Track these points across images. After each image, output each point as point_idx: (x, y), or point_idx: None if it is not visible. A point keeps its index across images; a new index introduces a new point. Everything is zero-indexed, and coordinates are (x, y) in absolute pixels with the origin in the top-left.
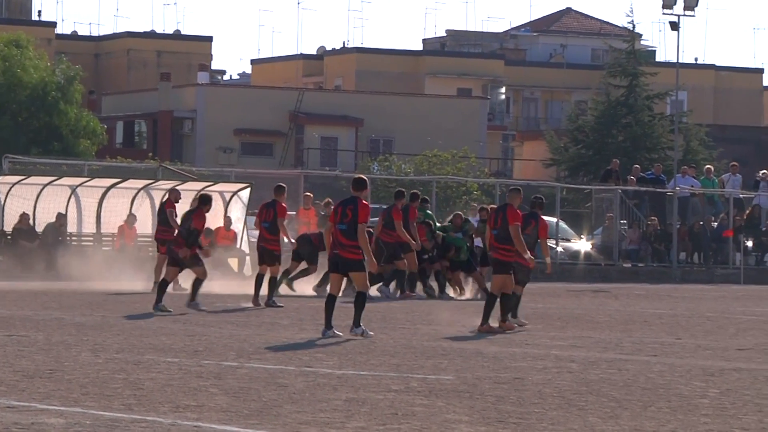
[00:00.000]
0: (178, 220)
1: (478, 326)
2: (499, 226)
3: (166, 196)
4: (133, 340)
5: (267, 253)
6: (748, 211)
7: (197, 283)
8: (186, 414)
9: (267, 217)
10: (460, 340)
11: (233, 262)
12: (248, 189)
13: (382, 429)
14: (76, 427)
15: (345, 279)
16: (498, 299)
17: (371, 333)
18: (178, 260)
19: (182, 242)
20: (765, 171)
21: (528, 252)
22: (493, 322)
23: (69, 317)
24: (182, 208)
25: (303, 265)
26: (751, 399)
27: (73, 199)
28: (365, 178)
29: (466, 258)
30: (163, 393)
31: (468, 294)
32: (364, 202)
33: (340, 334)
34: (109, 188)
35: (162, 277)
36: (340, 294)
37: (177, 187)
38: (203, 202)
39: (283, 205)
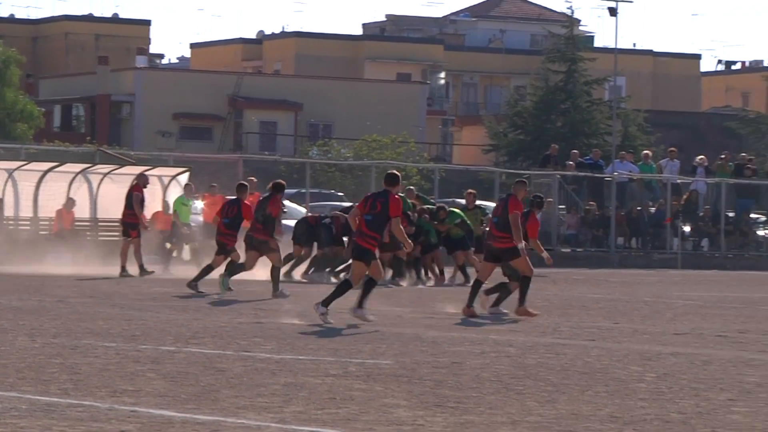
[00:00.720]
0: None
1: (463, 308)
2: (499, 215)
3: (135, 180)
4: (70, 324)
5: (222, 246)
6: (685, 197)
7: (275, 272)
8: (123, 399)
9: (229, 213)
10: (399, 325)
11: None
12: (187, 173)
13: (320, 413)
14: (12, 412)
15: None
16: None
17: (372, 318)
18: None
19: (260, 228)
20: (702, 156)
21: (522, 242)
22: (480, 307)
23: (6, 301)
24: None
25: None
26: (688, 383)
27: (9, 183)
28: (398, 173)
29: (435, 241)
30: (101, 378)
31: (445, 279)
32: (395, 196)
33: (331, 321)
34: (46, 172)
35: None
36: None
37: (115, 172)
38: (277, 188)
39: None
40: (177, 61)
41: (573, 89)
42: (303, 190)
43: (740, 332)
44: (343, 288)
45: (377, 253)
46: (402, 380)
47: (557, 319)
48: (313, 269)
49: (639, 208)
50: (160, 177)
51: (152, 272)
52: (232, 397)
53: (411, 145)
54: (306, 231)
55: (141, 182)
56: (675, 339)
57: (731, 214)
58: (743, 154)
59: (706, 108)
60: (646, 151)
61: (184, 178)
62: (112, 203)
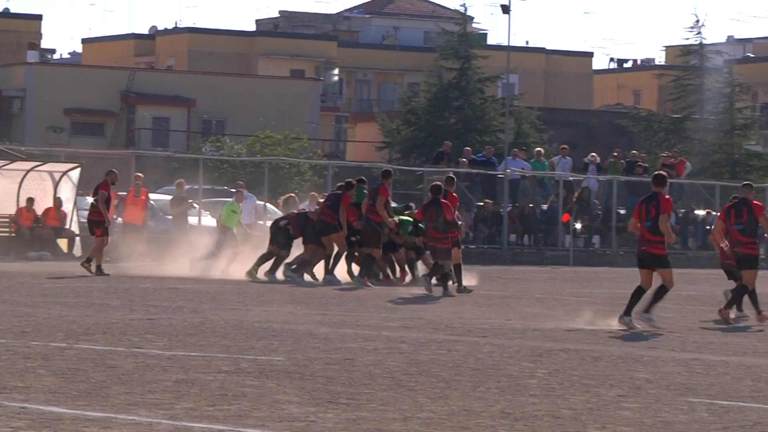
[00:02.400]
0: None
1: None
2: (744, 221)
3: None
4: None
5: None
6: (577, 194)
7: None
8: (13, 395)
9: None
10: (292, 321)
11: (63, 243)
12: (78, 169)
13: (212, 410)
14: None
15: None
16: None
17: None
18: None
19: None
20: (594, 154)
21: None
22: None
23: None
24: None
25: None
26: (579, 379)
27: None
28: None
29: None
30: None
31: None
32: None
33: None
34: None
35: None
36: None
37: (5, 167)
38: (348, 187)
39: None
40: (69, 56)
41: (466, 86)
42: (196, 186)
43: (630, 328)
44: (660, 293)
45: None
46: (294, 376)
47: (450, 315)
48: (294, 267)
49: (531, 205)
50: (51, 173)
51: (108, 275)
52: (122, 393)
53: (304, 142)
54: (286, 237)
55: (109, 179)
56: (566, 335)
57: (623, 212)
58: (634, 152)
59: (598, 106)
60: (538, 149)
61: (75, 173)
62: (2, 199)
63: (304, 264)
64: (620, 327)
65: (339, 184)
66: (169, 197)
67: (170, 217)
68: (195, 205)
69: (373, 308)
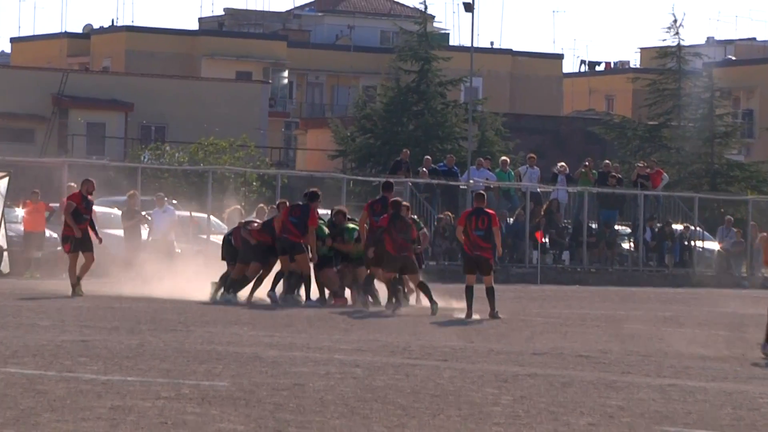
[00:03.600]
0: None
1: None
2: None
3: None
4: None
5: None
6: (545, 206)
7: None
8: None
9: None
10: (237, 344)
11: None
12: (6, 178)
13: None
14: None
15: None
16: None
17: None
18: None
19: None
20: (563, 164)
21: None
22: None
23: None
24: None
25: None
26: (546, 406)
27: None
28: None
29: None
30: None
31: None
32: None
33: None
34: None
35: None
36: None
37: None
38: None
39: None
40: None
41: (426, 90)
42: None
43: (603, 352)
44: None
45: None
46: (239, 403)
47: (407, 337)
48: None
49: None
50: None
51: (81, 294)
52: (53, 421)
53: (251, 150)
54: (255, 251)
55: (84, 189)
56: (533, 359)
57: (594, 226)
58: (607, 162)
59: (568, 112)
60: (504, 158)
61: (3, 183)
62: None
63: (240, 283)
64: (762, 356)
65: (309, 191)
66: (111, 209)
67: (113, 231)
68: (148, 217)
69: (325, 330)
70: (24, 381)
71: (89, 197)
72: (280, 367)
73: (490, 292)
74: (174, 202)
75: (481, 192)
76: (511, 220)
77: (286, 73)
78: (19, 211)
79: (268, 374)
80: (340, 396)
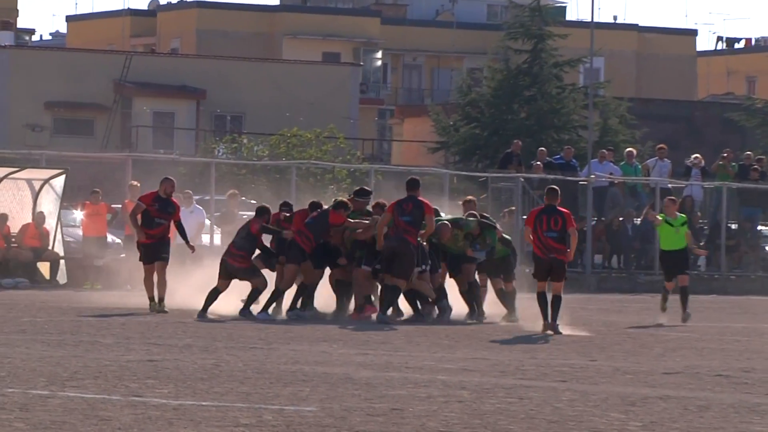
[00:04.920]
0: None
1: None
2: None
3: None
4: None
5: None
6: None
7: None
8: None
9: None
10: (326, 363)
11: (44, 267)
12: (62, 176)
13: None
14: None
15: None
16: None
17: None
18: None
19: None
20: (698, 156)
21: None
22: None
23: None
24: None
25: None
26: None
27: None
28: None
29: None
30: None
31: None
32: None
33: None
34: None
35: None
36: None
37: None
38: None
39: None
40: (50, 37)
41: (540, 72)
42: (207, 197)
43: (744, 371)
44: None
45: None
46: (329, 431)
47: (520, 355)
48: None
49: (621, 218)
50: (29, 181)
51: (164, 311)
52: None
53: (340, 142)
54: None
55: (162, 189)
56: (665, 379)
57: (734, 226)
58: (748, 153)
59: (703, 96)
60: (629, 149)
61: (59, 182)
62: None
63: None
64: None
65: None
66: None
67: None
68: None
69: (426, 347)
70: (85, 406)
71: (171, 199)
72: (375, 390)
73: (556, 302)
74: (252, 202)
75: (554, 187)
76: (638, 220)
77: (379, 54)
78: (78, 214)
79: (362, 398)
80: (444, 422)
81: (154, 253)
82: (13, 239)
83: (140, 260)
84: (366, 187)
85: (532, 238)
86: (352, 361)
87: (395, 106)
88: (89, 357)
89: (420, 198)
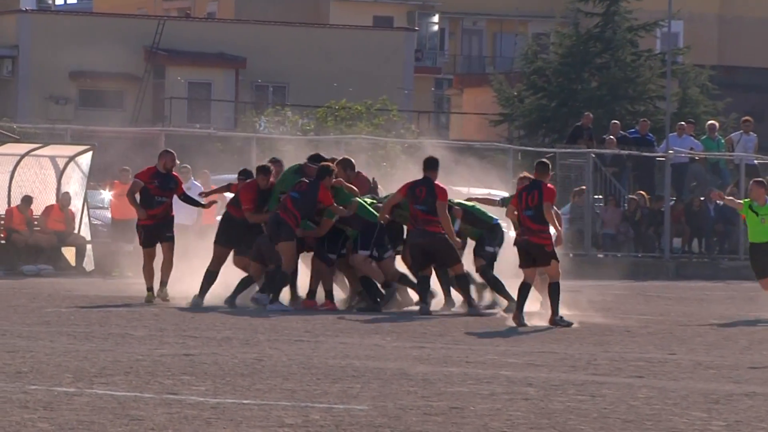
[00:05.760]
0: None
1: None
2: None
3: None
4: None
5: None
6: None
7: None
8: None
9: None
10: (378, 357)
11: (69, 253)
12: (89, 153)
13: None
14: None
15: None
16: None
17: None
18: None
19: None
20: None
21: None
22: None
23: None
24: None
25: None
26: None
27: None
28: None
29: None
30: None
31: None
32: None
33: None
34: None
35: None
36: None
37: None
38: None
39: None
40: (75, 1)
41: (613, 37)
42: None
43: None
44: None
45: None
46: (382, 431)
47: (592, 348)
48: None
49: (702, 198)
50: (53, 158)
51: (166, 299)
52: None
53: (393, 115)
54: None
55: (162, 163)
56: (751, 374)
57: None
58: None
59: None
60: (711, 122)
61: (85, 159)
62: None
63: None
64: None
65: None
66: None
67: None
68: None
69: (488, 339)
70: (115, 405)
71: (172, 173)
72: (433, 387)
73: (553, 290)
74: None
75: (544, 160)
76: (722, 202)
77: (436, 18)
78: (106, 194)
79: (418, 395)
80: (509, 422)
81: (157, 235)
82: (36, 222)
83: (140, 244)
84: (320, 153)
85: (514, 218)
86: (408, 355)
87: (453, 75)
88: (119, 351)
89: (436, 182)
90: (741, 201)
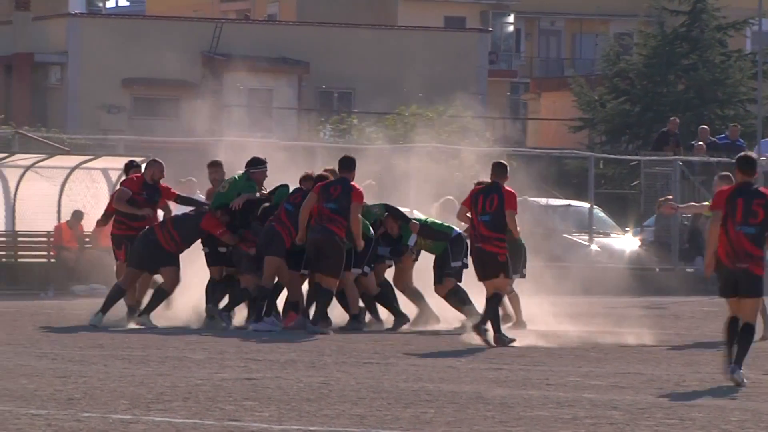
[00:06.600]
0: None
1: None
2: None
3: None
4: None
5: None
6: None
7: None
8: None
9: None
10: (452, 380)
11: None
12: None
13: None
14: None
15: None
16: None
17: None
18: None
19: None
20: None
21: None
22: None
23: None
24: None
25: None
26: None
27: None
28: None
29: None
30: None
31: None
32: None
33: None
34: None
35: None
36: None
37: (41, 164)
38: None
39: None
40: (128, 3)
41: (700, 37)
42: None
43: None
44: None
45: None
46: None
47: (680, 369)
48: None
49: None
50: (105, 171)
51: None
52: None
53: (467, 121)
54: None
55: (149, 173)
56: None
57: None
58: None
59: None
60: None
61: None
62: (38, 209)
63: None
64: None
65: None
66: None
67: None
68: None
69: (570, 360)
70: None
71: (160, 185)
72: (511, 411)
73: (491, 302)
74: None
75: (501, 162)
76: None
77: (511, 18)
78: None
79: (495, 420)
80: None
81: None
82: (87, 239)
83: (124, 260)
84: (259, 156)
85: (467, 222)
86: (484, 378)
87: (530, 78)
88: (177, 375)
89: (352, 183)
90: (702, 203)
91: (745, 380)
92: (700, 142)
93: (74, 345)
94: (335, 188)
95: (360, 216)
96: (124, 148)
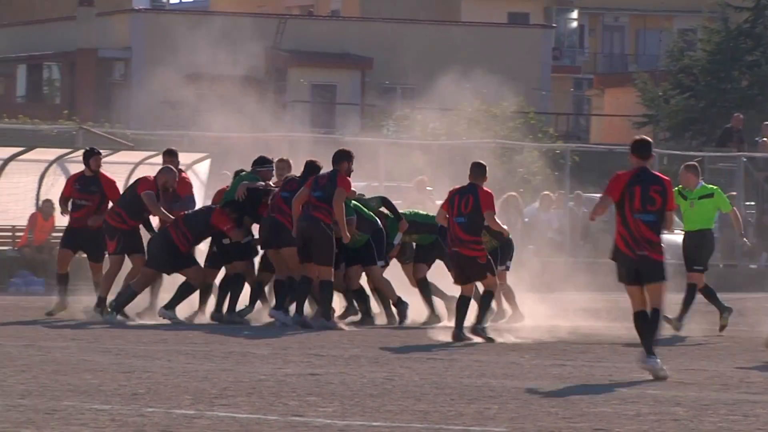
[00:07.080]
0: None
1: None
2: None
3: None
4: (44, 378)
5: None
6: None
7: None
8: None
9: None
10: (516, 376)
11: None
12: (207, 161)
13: None
14: None
15: None
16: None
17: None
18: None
19: None
20: None
21: None
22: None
23: None
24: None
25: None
26: None
27: None
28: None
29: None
30: None
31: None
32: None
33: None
34: (7, 161)
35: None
36: None
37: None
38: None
39: None
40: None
41: (764, 33)
42: (375, 183)
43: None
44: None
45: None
46: None
47: (746, 365)
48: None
49: None
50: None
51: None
52: None
53: (530, 117)
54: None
55: (161, 181)
56: None
57: None
58: None
59: None
60: None
61: (202, 168)
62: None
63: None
64: None
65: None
66: None
67: None
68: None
69: (634, 356)
70: (237, 428)
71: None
72: (575, 407)
73: (485, 299)
74: (429, 188)
75: (480, 162)
76: None
77: (574, 14)
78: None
79: (559, 416)
80: None
81: (134, 243)
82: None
83: (114, 252)
84: (265, 155)
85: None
86: (547, 374)
87: (594, 74)
88: (241, 370)
89: (341, 174)
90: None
91: (664, 370)
92: (764, 138)
93: (138, 340)
94: (323, 178)
95: (366, 210)
96: (188, 144)
